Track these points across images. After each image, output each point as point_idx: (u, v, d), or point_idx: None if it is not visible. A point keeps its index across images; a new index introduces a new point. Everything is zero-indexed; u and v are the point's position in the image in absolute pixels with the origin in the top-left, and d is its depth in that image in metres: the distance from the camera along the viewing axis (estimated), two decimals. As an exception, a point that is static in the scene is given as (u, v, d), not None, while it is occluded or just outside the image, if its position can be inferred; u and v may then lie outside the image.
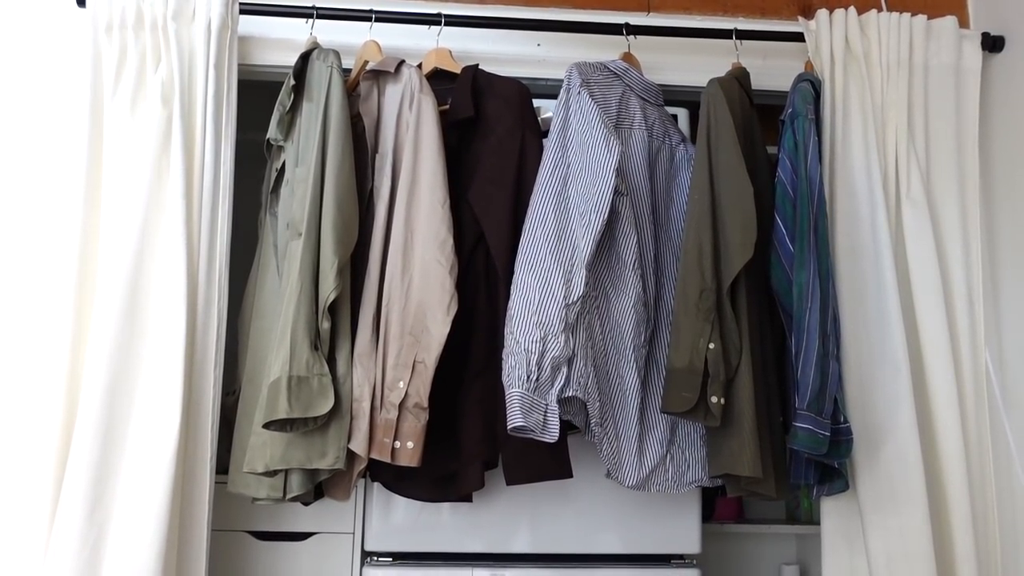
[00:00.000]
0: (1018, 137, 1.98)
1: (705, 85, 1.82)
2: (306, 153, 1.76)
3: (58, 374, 1.71)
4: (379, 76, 1.85)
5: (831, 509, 1.84)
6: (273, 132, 1.84)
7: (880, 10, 2.03)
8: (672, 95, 2.02)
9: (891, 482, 1.77)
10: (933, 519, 1.75)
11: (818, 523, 1.87)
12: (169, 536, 1.63)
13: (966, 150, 1.99)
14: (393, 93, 1.82)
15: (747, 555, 2.58)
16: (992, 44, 2.05)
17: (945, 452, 1.81)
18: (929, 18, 2.03)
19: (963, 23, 2.11)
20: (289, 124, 1.84)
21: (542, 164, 1.71)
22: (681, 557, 1.93)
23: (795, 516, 2.57)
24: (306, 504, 1.86)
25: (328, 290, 1.63)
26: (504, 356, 1.56)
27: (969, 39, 2.05)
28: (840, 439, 1.68)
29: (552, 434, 1.51)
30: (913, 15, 2.02)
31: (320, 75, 1.80)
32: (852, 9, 2.00)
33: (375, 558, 1.89)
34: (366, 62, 1.89)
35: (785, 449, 1.74)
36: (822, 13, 2.01)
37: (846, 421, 1.71)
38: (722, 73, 1.88)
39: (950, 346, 1.84)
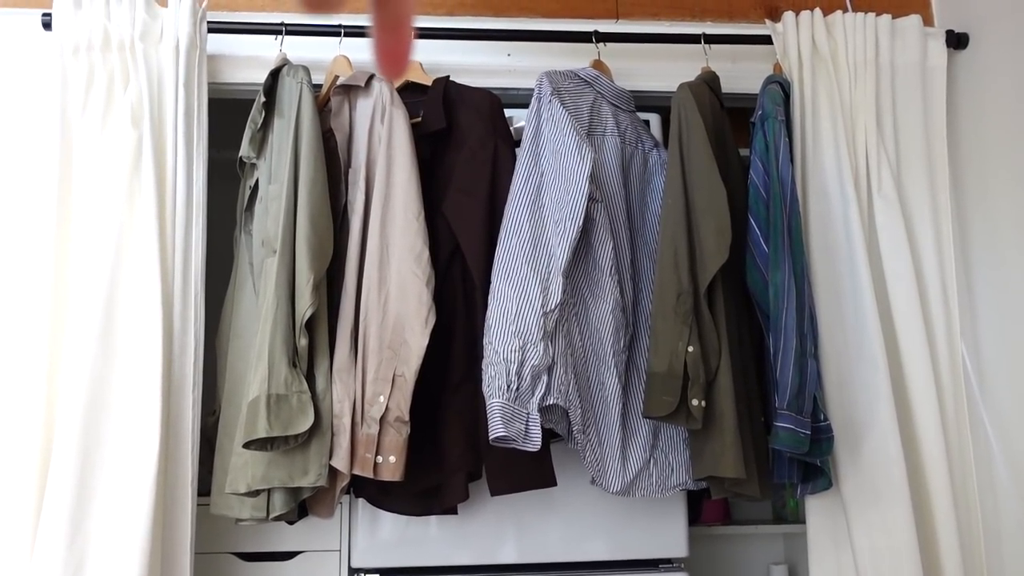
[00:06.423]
0: (985, 131, 2.01)
1: (675, 90, 1.83)
2: (279, 170, 1.76)
3: (34, 400, 1.69)
4: (350, 91, 1.85)
5: (816, 507, 1.85)
6: (245, 150, 1.83)
7: (845, 11, 2.05)
8: (643, 101, 2.03)
9: (873, 477, 1.78)
10: (916, 512, 1.76)
11: (804, 522, 1.87)
12: (152, 561, 1.61)
13: (935, 146, 2.01)
14: (364, 107, 1.82)
15: (735, 556, 2.59)
16: (957, 41, 2.07)
17: (925, 445, 1.83)
18: (894, 17, 2.05)
19: (927, 21, 2.14)
20: (261, 141, 1.84)
21: (515, 173, 1.71)
22: (669, 561, 1.93)
23: (781, 516, 2.58)
24: (290, 523, 1.85)
25: (304, 306, 1.62)
26: (483, 366, 1.56)
27: (934, 37, 2.07)
28: (821, 437, 1.69)
29: (534, 443, 1.51)
30: (878, 15, 2.04)
31: (290, 91, 1.80)
32: (818, 10, 2.02)
33: (362, 574, 1.87)
34: (336, 77, 1.88)
35: (768, 449, 1.75)
36: (788, 15, 2.02)
37: (826, 419, 1.72)
38: (692, 78, 1.89)
39: (926, 340, 1.86)
